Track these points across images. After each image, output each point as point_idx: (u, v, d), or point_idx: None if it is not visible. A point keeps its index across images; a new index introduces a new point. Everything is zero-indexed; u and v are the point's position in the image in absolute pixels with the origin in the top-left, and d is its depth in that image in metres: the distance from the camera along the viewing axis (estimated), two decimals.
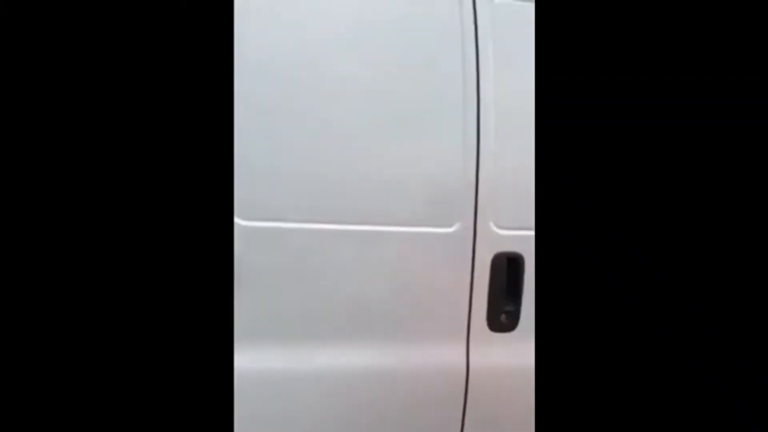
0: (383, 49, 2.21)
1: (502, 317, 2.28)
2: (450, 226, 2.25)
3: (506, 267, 2.28)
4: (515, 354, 2.24)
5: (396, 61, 2.21)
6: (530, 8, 2.25)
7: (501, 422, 2.31)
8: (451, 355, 2.28)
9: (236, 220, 2.07)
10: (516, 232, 2.29)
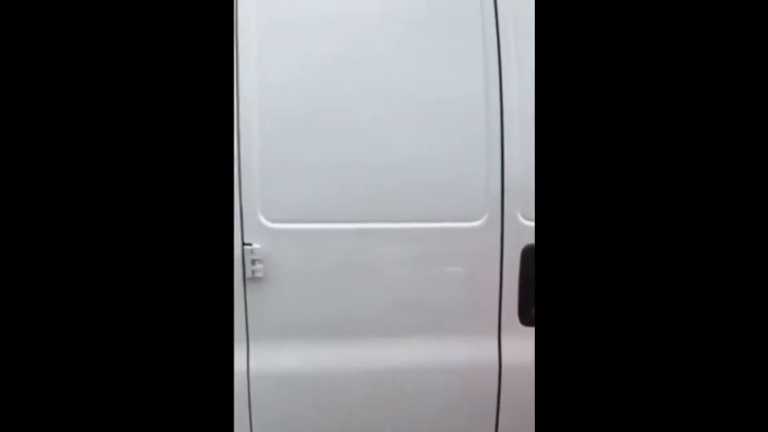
0: (408, 46, 2.23)
1: (533, 310, 2.27)
2: (477, 219, 2.25)
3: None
4: None
5: (420, 58, 2.23)
6: None
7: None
8: (484, 350, 2.29)
9: (265, 221, 2.15)
10: None
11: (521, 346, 2.25)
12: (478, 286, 2.29)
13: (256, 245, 2.15)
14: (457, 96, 2.23)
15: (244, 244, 2.15)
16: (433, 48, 2.24)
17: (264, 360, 2.17)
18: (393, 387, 2.26)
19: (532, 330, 2.25)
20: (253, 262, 2.14)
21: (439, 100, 2.23)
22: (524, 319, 2.28)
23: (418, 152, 2.23)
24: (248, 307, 2.15)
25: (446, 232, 2.26)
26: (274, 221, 2.17)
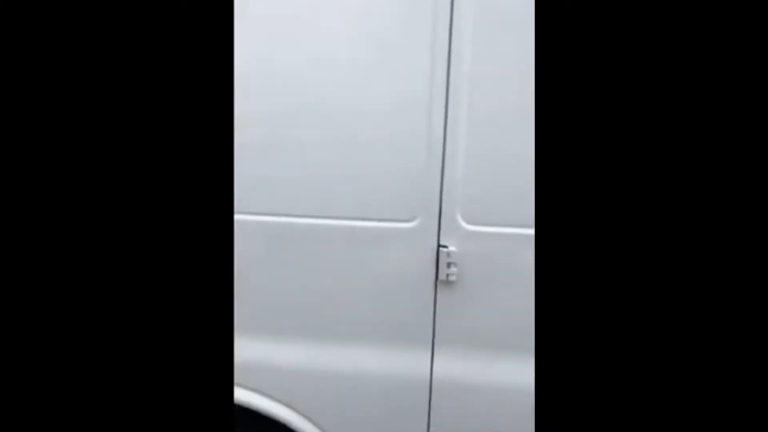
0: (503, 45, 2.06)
1: None
2: None
3: None
4: None
5: (515, 58, 2.05)
6: None
7: None
8: None
9: (463, 223, 2.12)
10: None
11: None
12: None
13: (452, 248, 2.09)
14: None
15: (439, 246, 2.10)
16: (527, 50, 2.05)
17: (447, 366, 2.11)
18: (509, 402, 2.13)
19: None
20: (449, 265, 2.08)
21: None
22: None
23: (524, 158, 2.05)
24: (437, 310, 2.11)
25: None
26: (472, 223, 2.08)
